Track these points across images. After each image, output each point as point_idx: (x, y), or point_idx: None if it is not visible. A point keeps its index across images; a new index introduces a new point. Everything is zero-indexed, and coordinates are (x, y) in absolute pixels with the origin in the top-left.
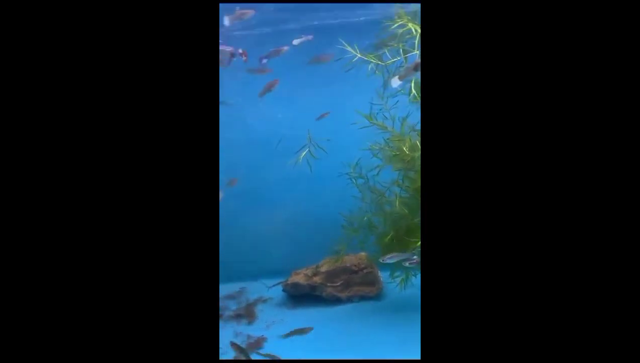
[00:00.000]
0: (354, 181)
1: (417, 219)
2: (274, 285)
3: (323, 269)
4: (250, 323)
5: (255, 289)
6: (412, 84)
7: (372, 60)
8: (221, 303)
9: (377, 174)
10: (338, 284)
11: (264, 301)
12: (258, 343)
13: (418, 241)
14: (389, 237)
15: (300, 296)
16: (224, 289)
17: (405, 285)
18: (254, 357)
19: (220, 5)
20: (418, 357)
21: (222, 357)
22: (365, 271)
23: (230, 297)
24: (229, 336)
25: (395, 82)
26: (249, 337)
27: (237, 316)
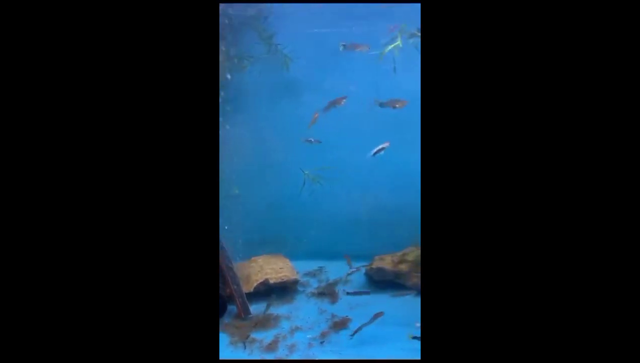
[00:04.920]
0: None
1: None
2: (356, 269)
3: (410, 257)
4: (333, 303)
5: (334, 269)
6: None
7: None
8: (302, 279)
9: None
10: None
11: (345, 282)
12: (344, 323)
13: None
14: None
15: (382, 282)
16: (303, 266)
17: None
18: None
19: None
20: None
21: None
22: None
23: (310, 274)
24: (313, 310)
25: None
26: (333, 315)
27: (320, 295)
